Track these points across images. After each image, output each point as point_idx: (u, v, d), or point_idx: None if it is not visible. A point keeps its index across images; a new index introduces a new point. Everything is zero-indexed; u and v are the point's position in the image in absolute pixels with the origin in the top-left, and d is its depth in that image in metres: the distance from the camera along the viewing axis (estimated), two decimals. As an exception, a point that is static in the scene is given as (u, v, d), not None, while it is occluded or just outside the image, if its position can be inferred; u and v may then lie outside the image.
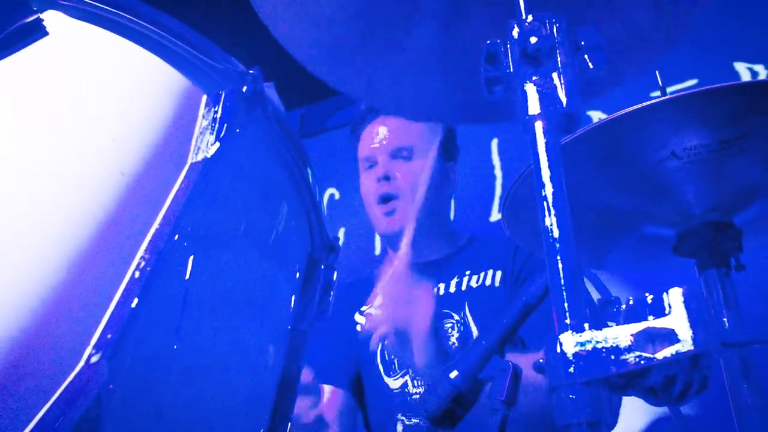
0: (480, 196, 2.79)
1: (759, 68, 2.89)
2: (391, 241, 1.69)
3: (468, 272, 1.63)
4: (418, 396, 1.55)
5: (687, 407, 0.93)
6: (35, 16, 0.64)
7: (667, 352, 0.56)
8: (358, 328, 1.70)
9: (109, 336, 0.48)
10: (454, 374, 1.02)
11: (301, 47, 0.90)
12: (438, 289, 1.65)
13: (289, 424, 0.71)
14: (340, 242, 0.91)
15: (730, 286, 0.99)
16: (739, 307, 0.99)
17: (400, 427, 1.57)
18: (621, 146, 0.92)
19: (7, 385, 0.44)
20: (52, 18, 0.65)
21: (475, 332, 1.54)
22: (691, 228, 1.02)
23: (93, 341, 0.47)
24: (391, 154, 1.66)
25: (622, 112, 0.86)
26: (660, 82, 1.12)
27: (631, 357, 0.56)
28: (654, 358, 0.55)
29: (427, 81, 0.94)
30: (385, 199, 1.64)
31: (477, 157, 2.78)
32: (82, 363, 0.46)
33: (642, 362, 0.56)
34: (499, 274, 1.59)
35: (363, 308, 1.72)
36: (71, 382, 0.45)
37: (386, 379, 1.62)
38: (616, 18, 0.90)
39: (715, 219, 1.01)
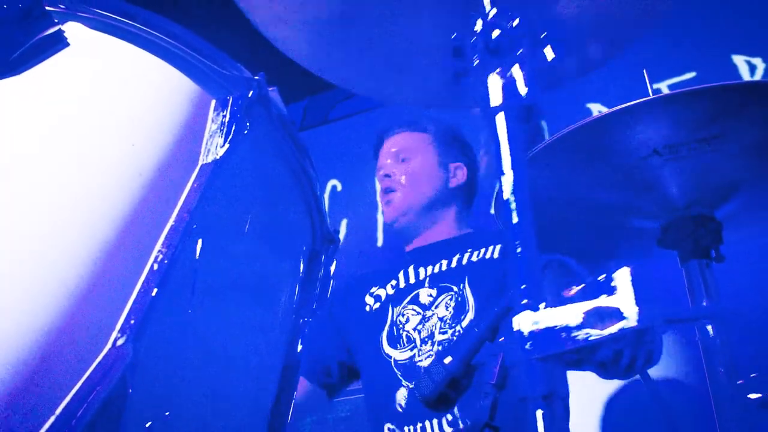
0: (481, 189, 2.84)
1: (757, 61, 2.92)
2: (399, 233, 1.89)
3: (470, 250, 1.77)
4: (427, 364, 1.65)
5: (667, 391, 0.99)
6: (57, 28, 0.69)
7: (613, 328, 0.60)
8: (367, 308, 1.84)
9: (132, 321, 0.54)
10: (448, 360, 1.08)
11: (284, 35, 0.94)
12: (441, 264, 1.79)
13: (293, 402, 0.77)
14: (342, 233, 0.97)
15: (711, 276, 1.05)
16: (718, 296, 1.04)
17: (403, 392, 1.67)
18: (606, 145, 0.97)
19: (47, 366, 0.49)
20: (72, 29, 0.70)
21: (471, 303, 1.66)
22: (674, 221, 1.07)
23: (118, 326, 0.53)
24: (393, 159, 1.95)
25: (605, 112, 0.91)
26: (648, 82, 1.18)
27: (581, 334, 0.61)
28: (601, 334, 0.60)
29: (406, 68, 0.99)
30: (386, 191, 1.90)
31: (478, 151, 2.83)
32: (109, 345, 0.52)
33: (590, 338, 0.60)
34: (498, 247, 1.72)
35: (372, 289, 1.86)
36: (101, 361, 0.50)
37: (390, 351, 1.74)
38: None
39: (696, 213, 1.06)
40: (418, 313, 1.74)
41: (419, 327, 1.72)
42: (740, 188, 1.04)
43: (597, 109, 3.02)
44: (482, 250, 1.75)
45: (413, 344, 1.70)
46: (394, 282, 1.84)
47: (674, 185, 1.03)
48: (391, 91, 1.16)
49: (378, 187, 1.99)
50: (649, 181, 1.03)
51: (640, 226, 1.12)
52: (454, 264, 1.77)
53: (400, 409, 1.66)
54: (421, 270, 1.82)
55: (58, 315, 0.52)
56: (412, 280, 1.82)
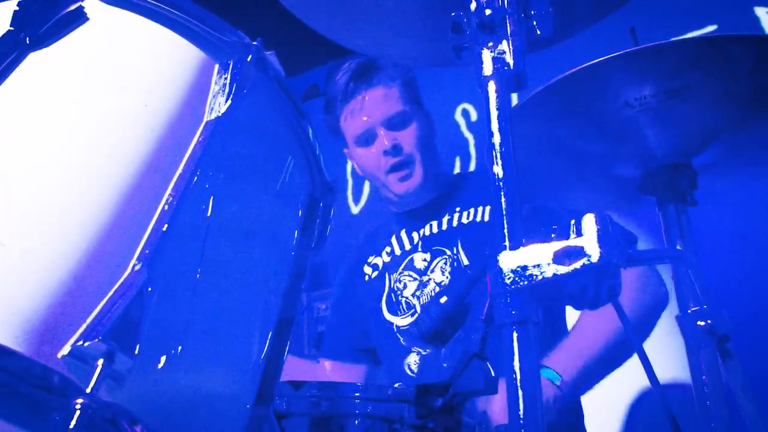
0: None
1: (780, 13, 2.89)
2: (404, 199, 1.84)
3: (458, 209, 1.77)
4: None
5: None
6: (78, 4, 0.80)
7: (577, 264, 0.70)
8: (366, 278, 1.89)
9: (147, 251, 0.65)
10: (444, 299, 1.19)
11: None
12: (431, 226, 1.80)
13: (291, 326, 0.89)
14: (365, 195, 1.07)
15: (686, 220, 1.13)
16: (693, 237, 1.12)
17: (413, 357, 1.75)
18: (581, 98, 1.05)
19: (80, 286, 0.62)
20: (91, 5, 0.81)
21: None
22: (652, 169, 1.15)
23: (136, 255, 0.65)
24: (387, 125, 1.77)
25: (577, 68, 0.98)
26: (635, 39, 1.24)
27: (550, 270, 0.71)
28: (567, 270, 0.70)
29: (406, 25, 1.08)
30: (397, 168, 1.77)
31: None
32: (129, 270, 0.64)
33: (558, 273, 0.71)
34: (488, 209, 1.72)
35: (369, 259, 1.90)
36: (122, 282, 0.62)
37: (391, 317, 1.79)
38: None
39: (674, 161, 1.13)
40: (415, 279, 1.76)
41: (417, 293, 1.74)
42: (715, 138, 1.11)
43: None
44: (471, 211, 1.75)
45: (413, 310, 1.74)
46: (388, 249, 1.86)
47: (651, 135, 1.10)
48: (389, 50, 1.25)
49: (370, 159, 1.79)
50: (627, 132, 1.10)
51: (622, 174, 1.19)
52: (444, 226, 1.77)
53: (411, 374, 1.73)
54: (414, 234, 1.82)
55: (89, 246, 0.64)
56: (407, 246, 1.82)
